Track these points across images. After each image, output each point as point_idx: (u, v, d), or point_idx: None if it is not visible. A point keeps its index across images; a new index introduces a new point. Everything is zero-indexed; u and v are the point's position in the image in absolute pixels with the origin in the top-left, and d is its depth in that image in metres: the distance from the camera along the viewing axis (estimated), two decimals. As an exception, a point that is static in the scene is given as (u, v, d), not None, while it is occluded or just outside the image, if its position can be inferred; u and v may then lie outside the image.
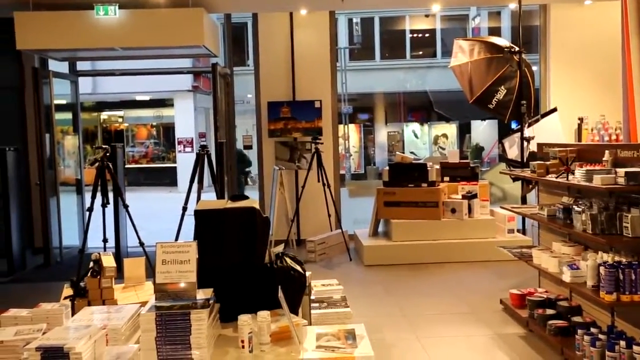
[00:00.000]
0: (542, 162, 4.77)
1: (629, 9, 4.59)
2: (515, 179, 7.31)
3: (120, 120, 23.87)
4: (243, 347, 2.50)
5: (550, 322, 4.29)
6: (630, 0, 4.59)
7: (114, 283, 3.84)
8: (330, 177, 7.89)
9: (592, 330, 3.84)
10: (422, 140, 22.94)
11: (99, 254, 3.86)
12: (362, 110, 22.76)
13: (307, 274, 3.12)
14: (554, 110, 7.86)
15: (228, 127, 8.42)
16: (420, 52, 22.65)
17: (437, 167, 7.56)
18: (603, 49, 7.86)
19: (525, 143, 7.40)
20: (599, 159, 4.15)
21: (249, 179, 12.79)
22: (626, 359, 3.48)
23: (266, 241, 3.02)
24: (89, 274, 3.79)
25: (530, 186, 7.33)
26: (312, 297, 3.26)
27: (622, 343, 3.52)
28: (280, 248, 3.09)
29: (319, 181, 7.54)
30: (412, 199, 7.22)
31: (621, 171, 3.65)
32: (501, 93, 7.49)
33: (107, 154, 5.99)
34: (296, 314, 2.92)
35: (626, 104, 4.72)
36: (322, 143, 7.71)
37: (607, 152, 4.07)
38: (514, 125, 8.12)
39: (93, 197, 6.05)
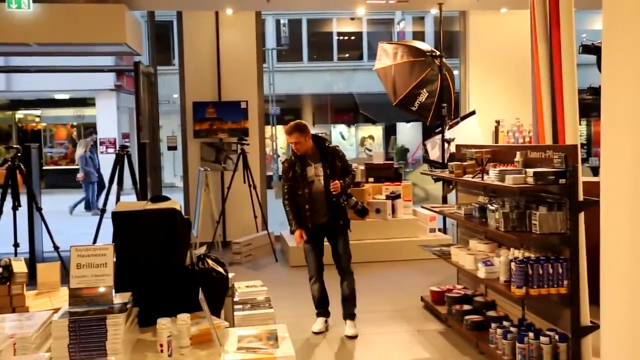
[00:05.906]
0: (459, 163, 4.91)
1: (537, 19, 4.85)
2: (436, 179, 7.55)
3: (37, 119, 22.78)
4: (162, 351, 2.46)
5: (467, 317, 4.46)
6: (537, 10, 4.84)
7: (26, 289, 3.67)
8: (256, 178, 7.86)
9: (505, 323, 4.03)
10: (349, 142, 23.28)
11: (9, 259, 3.68)
12: (289, 111, 22.81)
13: (230, 275, 3.11)
14: (473, 113, 8.17)
15: (152, 127, 8.22)
16: (347, 55, 22.95)
17: (362, 167, 7.68)
18: (518, 55, 8.09)
19: (446, 144, 7.65)
20: (512, 160, 4.28)
21: None
22: (534, 349, 3.68)
23: (187, 243, 2.98)
24: (-3, 281, 3.61)
25: (451, 186, 7.58)
26: (236, 298, 3.24)
27: (531, 335, 3.72)
28: (202, 250, 3.06)
29: (244, 182, 7.50)
30: (337, 200, 7.27)
31: (530, 171, 3.79)
32: (423, 96, 7.70)
33: (19, 155, 5.68)
34: (218, 316, 2.90)
35: (535, 108, 4.98)
36: (248, 144, 7.67)
37: (518, 153, 4.24)
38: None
39: (2, 200, 5.73)
